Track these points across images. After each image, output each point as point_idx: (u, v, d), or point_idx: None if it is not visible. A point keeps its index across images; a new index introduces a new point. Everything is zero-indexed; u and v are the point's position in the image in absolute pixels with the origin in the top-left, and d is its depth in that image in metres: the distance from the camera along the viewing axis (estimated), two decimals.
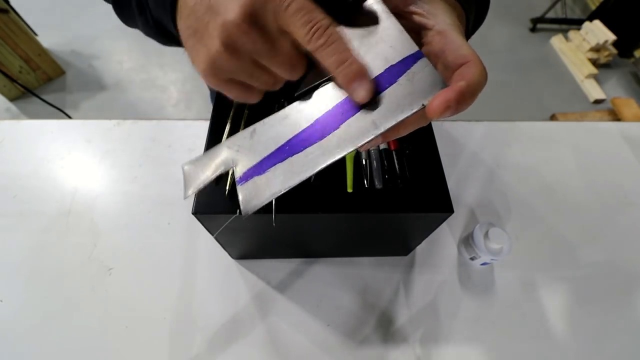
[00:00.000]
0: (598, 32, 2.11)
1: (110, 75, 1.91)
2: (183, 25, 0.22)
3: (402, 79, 0.22)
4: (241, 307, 0.52)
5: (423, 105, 0.21)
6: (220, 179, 0.40)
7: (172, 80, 1.93)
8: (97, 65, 1.94)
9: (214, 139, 0.43)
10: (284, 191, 0.23)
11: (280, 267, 0.56)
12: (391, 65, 0.22)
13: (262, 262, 0.56)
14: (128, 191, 0.61)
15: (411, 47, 0.22)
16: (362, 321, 0.52)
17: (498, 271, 0.57)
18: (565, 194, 0.66)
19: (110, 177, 0.63)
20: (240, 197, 0.23)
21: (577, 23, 2.34)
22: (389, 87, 0.22)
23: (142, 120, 0.70)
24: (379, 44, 0.22)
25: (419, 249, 0.58)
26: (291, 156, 0.23)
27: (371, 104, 0.22)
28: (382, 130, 0.22)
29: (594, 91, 2.04)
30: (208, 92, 0.76)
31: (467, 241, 0.56)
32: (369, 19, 0.23)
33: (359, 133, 0.22)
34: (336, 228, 0.46)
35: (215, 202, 0.39)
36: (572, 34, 2.29)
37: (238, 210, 0.37)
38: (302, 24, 0.19)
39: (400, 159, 0.43)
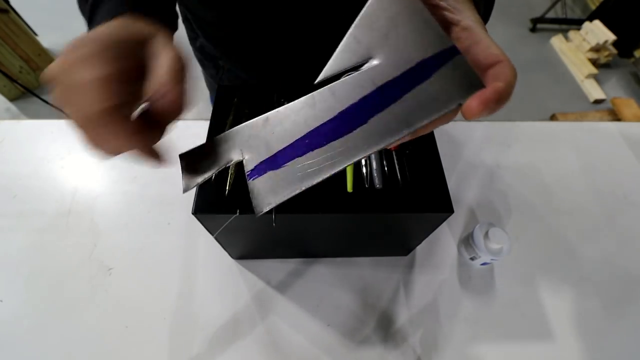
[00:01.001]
0: (598, 32, 2.11)
1: None
2: None
3: (437, 75, 0.20)
4: (241, 307, 0.52)
5: (460, 104, 0.20)
6: (220, 178, 0.40)
7: None
8: None
9: None
10: (305, 188, 0.21)
11: (280, 267, 0.56)
12: (424, 59, 0.20)
13: (262, 262, 0.56)
14: (128, 191, 0.61)
15: (446, 42, 0.20)
16: (362, 321, 0.52)
17: (498, 271, 0.57)
18: (565, 194, 0.66)
19: (110, 177, 0.63)
20: (253, 193, 0.21)
21: (577, 23, 2.34)
22: (423, 82, 0.20)
23: None
24: (411, 35, 0.21)
25: (419, 249, 0.58)
26: (312, 150, 0.21)
27: (403, 99, 0.20)
28: (414, 128, 0.20)
29: (594, 91, 2.04)
30: (208, 93, 0.76)
31: (467, 241, 0.56)
32: (400, 6, 0.21)
33: (389, 130, 0.20)
34: (336, 228, 0.46)
35: (215, 202, 0.39)
36: (572, 34, 2.29)
37: (238, 210, 0.37)
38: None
39: (400, 159, 0.43)
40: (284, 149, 0.22)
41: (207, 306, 0.52)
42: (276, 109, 0.23)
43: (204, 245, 0.57)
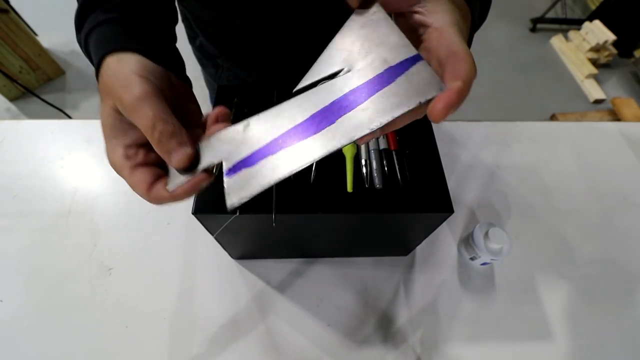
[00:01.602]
0: (598, 32, 2.11)
1: None
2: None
3: (400, 79, 0.22)
4: (241, 307, 0.52)
5: (420, 103, 0.22)
6: (221, 178, 0.40)
7: None
8: None
9: None
10: (274, 182, 0.23)
11: (280, 267, 0.56)
12: (390, 67, 0.23)
13: (262, 262, 0.56)
14: (128, 191, 0.60)
15: (410, 51, 0.23)
16: (362, 321, 0.52)
17: (498, 271, 0.57)
18: (565, 194, 0.66)
19: (110, 177, 0.63)
20: (226, 189, 0.23)
21: (577, 23, 2.34)
22: (387, 85, 0.23)
23: None
24: (380, 47, 0.23)
25: (419, 249, 0.58)
26: (284, 149, 0.23)
27: (370, 101, 0.23)
28: (377, 125, 0.22)
29: (594, 91, 2.04)
30: (208, 93, 0.76)
31: (467, 241, 0.56)
32: (371, 24, 0.24)
33: (355, 127, 0.23)
34: (336, 228, 0.46)
35: (215, 202, 0.38)
36: (572, 34, 2.29)
37: (238, 211, 0.37)
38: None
39: (400, 159, 0.43)
40: (260, 149, 0.24)
41: (207, 306, 0.52)
42: (257, 114, 0.25)
43: (204, 245, 0.57)
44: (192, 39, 0.62)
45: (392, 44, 0.23)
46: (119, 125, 0.26)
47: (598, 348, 0.52)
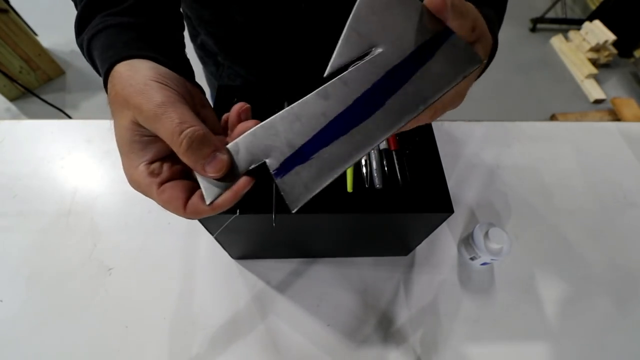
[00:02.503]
0: (598, 32, 2.11)
1: None
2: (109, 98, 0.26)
3: (438, 54, 0.22)
4: (241, 307, 0.52)
5: (464, 77, 0.22)
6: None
7: None
8: None
9: None
10: (336, 176, 0.22)
11: (280, 267, 0.56)
12: (424, 42, 0.22)
13: (262, 262, 0.56)
14: (128, 191, 0.60)
15: (439, 24, 0.22)
16: (362, 321, 0.52)
17: (498, 271, 0.57)
18: (565, 194, 0.66)
19: (110, 177, 0.63)
20: (285, 191, 0.21)
21: (577, 23, 2.34)
22: (427, 62, 0.22)
23: None
24: (406, 23, 0.22)
25: (419, 249, 0.58)
26: (337, 139, 0.22)
27: (415, 78, 0.22)
28: (429, 103, 0.22)
29: (594, 91, 2.04)
30: (209, 91, 0.76)
31: (467, 241, 0.56)
32: (393, 2, 0.23)
33: (406, 108, 0.22)
34: (336, 228, 0.46)
35: None
36: (572, 34, 2.29)
37: (238, 210, 0.37)
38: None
39: (400, 159, 0.43)
40: (307, 142, 0.22)
41: (207, 306, 0.52)
42: (289, 107, 0.23)
43: (204, 245, 0.57)
44: (193, 37, 0.62)
45: (418, 18, 0.22)
46: (138, 139, 0.23)
47: (598, 348, 0.52)
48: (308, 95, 0.23)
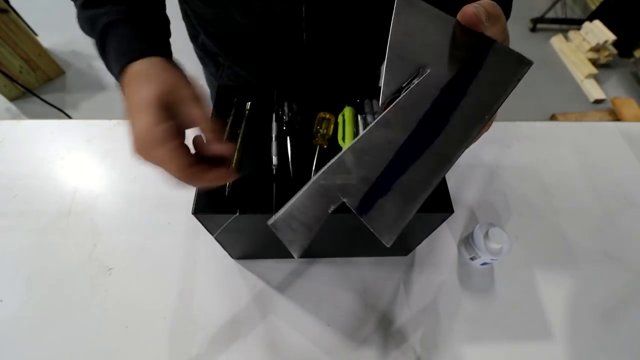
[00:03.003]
0: (598, 32, 2.11)
1: (110, 75, 1.89)
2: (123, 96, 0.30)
3: (486, 63, 0.22)
4: (241, 307, 0.52)
5: (519, 79, 0.22)
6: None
7: None
8: (97, 65, 1.94)
9: None
10: (422, 202, 0.21)
11: (280, 267, 0.56)
12: (469, 54, 0.22)
13: (262, 262, 0.56)
14: (128, 191, 0.61)
15: (477, 35, 0.22)
16: (362, 321, 0.52)
17: (498, 271, 0.57)
18: (565, 193, 0.66)
19: (110, 177, 0.63)
20: (375, 230, 0.21)
21: (577, 23, 2.34)
22: (478, 73, 0.22)
23: None
24: (445, 38, 0.23)
25: (419, 249, 0.58)
26: (412, 164, 0.21)
27: (472, 90, 0.22)
28: (495, 110, 0.22)
29: (594, 91, 2.04)
30: (208, 91, 0.76)
31: (467, 241, 0.56)
32: (419, 18, 0.23)
33: (473, 120, 0.22)
34: (336, 228, 0.46)
35: (215, 202, 0.39)
36: (572, 34, 2.29)
37: (238, 210, 0.37)
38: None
39: None
40: (382, 174, 0.22)
41: (207, 306, 0.52)
42: (352, 143, 0.22)
43: (204, 245, 0.57)
44: (193, 37, 0.62)
45: (456, 33, 0.23)
46: (170, 107, 0.27)
47: (598, 348, 0.52)
48: (368, 128, 0.23)
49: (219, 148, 0.29)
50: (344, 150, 0.22)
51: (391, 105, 0.22)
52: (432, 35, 0.23)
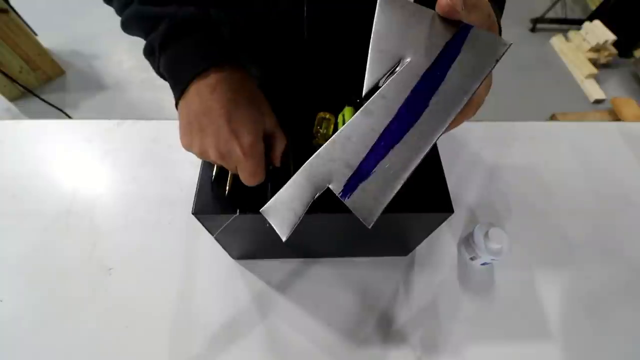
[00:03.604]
0: (598, 32, 2.11)
1: (110, 75, 1.91)
2: (183, 112, 0.34)
3: (464, 48, 0.23)
4: (241, 307, 0.52)
5: (496, 60, 0.22)
6: (220, 178, 0.40)
7: None
8: (97, 65, 1.94)
9: None
10: (403, 182, 0.22)
11: (280, 267, 0.56)
12: (447, 41, 0.23)
13: (262, 262, 0.56)
14: (128, 191, 0.61)
15: (457, 24, 0.23)
16: (362, 321, 0.52)
17: (498, 271, 0.57)
18: (565, 194, 0.66)
19: (110, 177, 0.63)
20: (356, 210, 0.22)
21: (577, 23, 2.34)
22: (456, 58, 0.23)
23: (142, 121, 0.70)
24: (426, 29, 0.24)
25: (419, 249, 0.58)
26: (392, 148, 0.22)
27: (451, 73, 0.23)
28: (472, 92, 0.22)
29: (594, 91, 2.04)
30: None
31: (467, 241, 0.56)
32: (401, 11, 0.24)
33: (451, 103, 0.22)
34: (336, 228, 0.46)
35: (215, 202, 0.39)
36: (572, 34, 2.29)
37: (238, 210, 0.37)
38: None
39: None
40: (365, 159, 0.23)
41: (207, 306, 0.52)
42: (338, 131, 0.24)
43: (204, 245, 0.57)
44: None
45: (435, 23, 0.23)
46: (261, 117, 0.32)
47: (598, 348, 0.52)
48: (353, 117, 0.24)
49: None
50: (328, 140, 0.23)
51: (373, 95, 0.24)
52: (412, 28, 0.24)
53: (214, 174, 0.40)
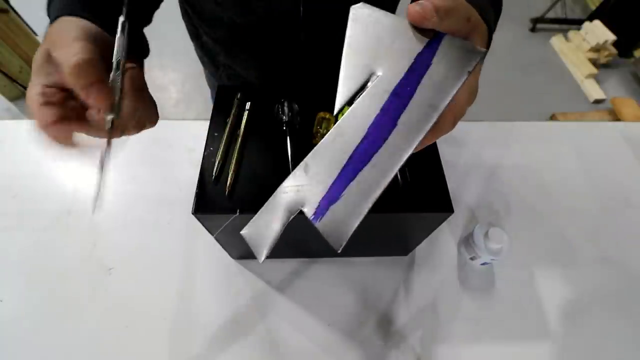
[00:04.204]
0: (598, 32, 2.11)
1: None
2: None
3: (436, 59, 0.22)
4: (241, 307, 0.52)
5: (469, 72, 0.21)
6: (220, 178, 0.40)
7: (172, 80, 1.93)
8: None
9: (213, 139, 0.43)
10: (372, 203, 0.22)
11: (280, 267, 0.56)
12: (419, 53, 0.22)
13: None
14: (128, 191, 0.61)
15: (430, 33, 0.22)
16: (362, 321, 0.52)
17: (498, 271, 0.57)
18: (565, 194, 0.66)
19: (111, 177, 0.63)
20: (326, 234, 0.22)
21: (577, 23, 2.34)
22: (427, 70, 0.22)
23: None
24: (397, 41, 0.23)
25: (419, 249, 0.58)
26: (361, 170, 0.22)
27: (421, 88, 0.22)
28: (442, 109, 0.21)
29: (594, 91, 2.04)
30: (208, 92, 0.76)
31: (467, 241, 0.56)
32: (374, 24, 0.23)
33: (420, 119, 0.22)
34: None
35: (215, 202, 0.39)
36: (572, 34, 2.29)
37: (238, 210, 0.37)
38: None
39: None
40: (335, 181, 0.22)
41: (207, 306, 0.52)
42: (311, 153, 0.23)
43: (204, 245, 0.57)
44: (193, 36, 0.62)
45: (407, 34, 0.22)
46: (45, 65, 0.26)
47: (598, 348, 0.52)
48: (325, 137, 0.23)
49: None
50: (303, 161, 0.23)
51: (345, 113, 0.23)
52: (386, 40, 0.23)
53: (214, 174, 0.40)
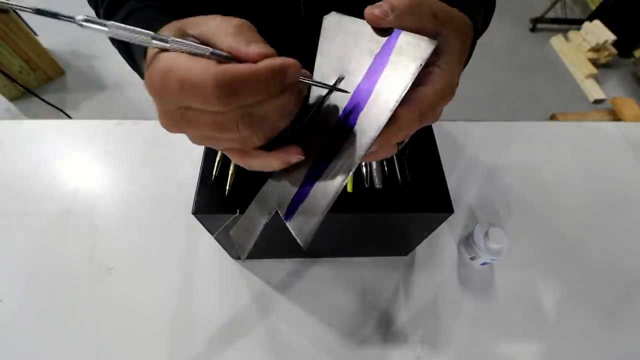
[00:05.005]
0: (598, 32, 2.11)
1: (110, 75, 1.91)
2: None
3: (392, 57, 0.22)
4: (241, 307, 0.52)
5: (421, 64, 0.21)
6: (220, 178, 0.40)
7: None
8: (97, 65, 1.94)
9: None
10: (333, 199, 0.23)
11: (280, 267, 0.56)
12: (378, 53, 0.23)
13: (262, 262, 0.56)
14: (128, 191, 0.61)
15: (388, 32, 0.22)
16: (362, 321, 0.52)
17: (498, 271, 0.57)
18: (565, 193, 0.66)
19: (111, 177, 0.63)
20: (294, 230, 0.23)
21: (577, 23, 2.34)
22: (384, 68, 0.22)
23: (142, 121, 0.70)
24: (359, 44, 0.23)
25: (419, 249, 0.58)
26: (326, 169, 0.23)
27: (377, 88, 0.22)
28: (393, 104, 0.21)
29: (594, 91, 2.04)
30: None
31: (467, 241, 0.56)
32: (342, 30, 0.24)
33: (375, 118, 0.22)
34: (336, 228, 0.46)
35: (215, 202, 0.39)
36: (572, 34, 2.29)
37: (238, 210, 0.37)
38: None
39: (400, 159, 0.43)
40: (302, 184, 0.24)
41: (207, 306, 0.52)
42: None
43: (204, 245, 0.57)
44: None
45: (369, 36, 0.23)
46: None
47: (598, 348, 0.52)
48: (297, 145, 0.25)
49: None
50: (274, 173, 0.26)
51: (312, 121, 0.25)
52: (351, 43, 0.24)
53: (214, 174, 0.40)
